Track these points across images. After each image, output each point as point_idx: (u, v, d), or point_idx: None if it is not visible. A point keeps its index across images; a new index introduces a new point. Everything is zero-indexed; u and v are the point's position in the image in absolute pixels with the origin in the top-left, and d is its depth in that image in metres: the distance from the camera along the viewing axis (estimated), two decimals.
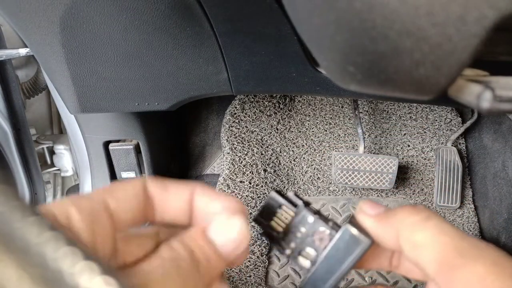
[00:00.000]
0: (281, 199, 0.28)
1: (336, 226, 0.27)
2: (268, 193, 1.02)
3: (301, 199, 0.28)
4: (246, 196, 1.01)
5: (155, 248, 0.24)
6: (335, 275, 0.26)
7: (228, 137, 1.05)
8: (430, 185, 1.04)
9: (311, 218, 0.27)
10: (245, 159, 1.03)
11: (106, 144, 0.86)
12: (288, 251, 0.28)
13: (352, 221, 0.28)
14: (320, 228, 0.27)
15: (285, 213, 0.28)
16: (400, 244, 0.26)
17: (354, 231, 0.26)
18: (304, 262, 0.28)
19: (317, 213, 0.28)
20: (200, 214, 0.25)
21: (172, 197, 0.25)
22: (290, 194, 0.28)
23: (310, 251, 0.27)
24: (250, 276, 0.99)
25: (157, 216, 0.25)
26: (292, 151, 1.07)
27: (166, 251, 0.23)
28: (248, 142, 1.06)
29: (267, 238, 0.28)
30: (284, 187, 1.05)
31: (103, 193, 0.23)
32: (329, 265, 0.27)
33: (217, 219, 0.25)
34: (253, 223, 0.95)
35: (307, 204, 0.28)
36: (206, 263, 0.23)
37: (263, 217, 0.28)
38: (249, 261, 0.99)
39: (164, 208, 0.25)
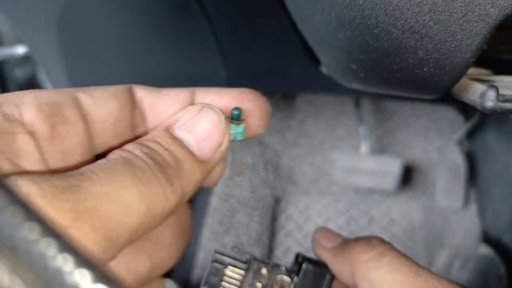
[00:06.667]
0: (226, 259, 0.26)
1: (293, 269, 0.27)
2: (269, 192, 1.02)
3: (247, 253, 0.27)
4: (246, 196, 1.01)
5: None
6: None
7: None
8: (432, 185, 1.03)
9: (264, 270, 0.26)
10: (245, 158, 1.03)
11: None
12: None
13: (307, 258, 0.28)
14: (278, 276, 0.26)
15: (234, 273, 0.26)
16: (356, 282, 0.26)
17: (314, 269, 0.26)
18: None
19: (268, 263, 0.27)
20: None
21: (167, 100, 0.21)
22: (234, 251, 0.27)
23: None
24: None
25: (148, 125, 0.22)
26: (293, 151, 1.07)
27: (114, 153, 0.18)
28: (248, 141, 1.05)
29: None
30: (282, 187, 1.05)
31: (73, 90, 0.19)
32: None
33: (185, 112, 0.21)
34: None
35: (254, 257, 0.27)
36: (175, 164, 0.19)
37: (210, 284, 0.26)
38: None
39: (158, 115, 0.21)
